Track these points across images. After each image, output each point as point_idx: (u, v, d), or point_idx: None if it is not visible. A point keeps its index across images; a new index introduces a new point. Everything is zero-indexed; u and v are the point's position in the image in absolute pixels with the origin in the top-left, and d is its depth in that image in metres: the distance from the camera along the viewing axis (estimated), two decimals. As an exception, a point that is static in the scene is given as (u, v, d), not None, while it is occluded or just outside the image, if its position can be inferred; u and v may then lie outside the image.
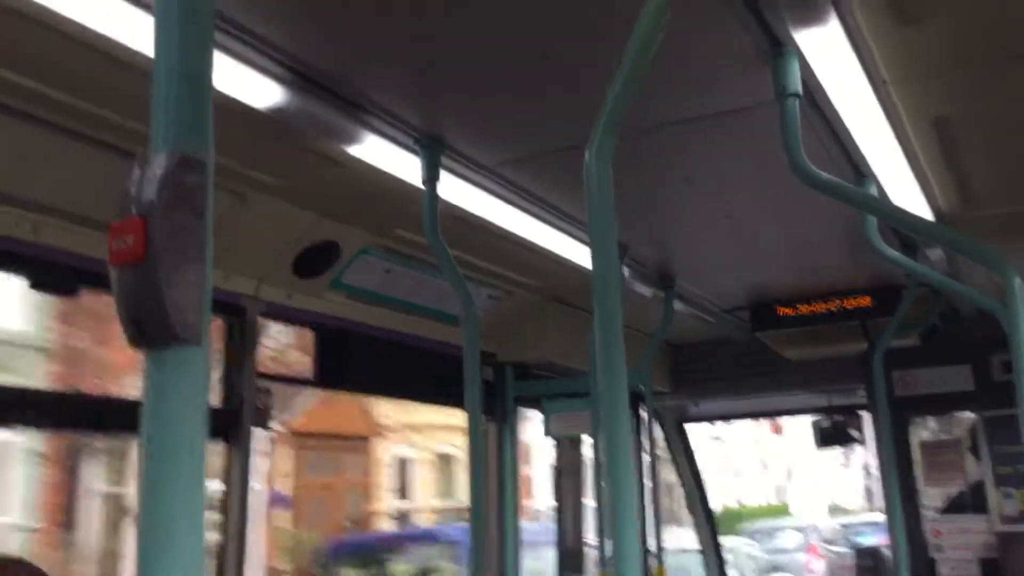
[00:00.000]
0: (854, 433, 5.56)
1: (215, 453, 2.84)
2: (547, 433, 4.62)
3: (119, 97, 2.03)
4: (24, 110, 2.05)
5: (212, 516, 2.71)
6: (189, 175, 0.85)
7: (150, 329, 0.83)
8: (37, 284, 2.36)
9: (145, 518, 0.82)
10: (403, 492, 20.40)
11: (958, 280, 3.60)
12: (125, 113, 2.09)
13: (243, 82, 1.96)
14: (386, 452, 19.95)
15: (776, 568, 18.76)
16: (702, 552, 6.32)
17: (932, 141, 2.64)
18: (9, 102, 2.02)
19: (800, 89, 2.04)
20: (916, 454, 4.53)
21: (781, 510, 30.44)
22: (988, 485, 4.20)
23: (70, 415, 2.53)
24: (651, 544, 4.71)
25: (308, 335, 3.44)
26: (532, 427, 4.92)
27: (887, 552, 4.84)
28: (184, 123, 0.87)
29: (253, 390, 2.94)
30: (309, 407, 15.94)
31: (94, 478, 13.87)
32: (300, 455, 16.96)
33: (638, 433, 5.12)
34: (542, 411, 4.57)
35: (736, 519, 25.03)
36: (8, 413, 2.39)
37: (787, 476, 35.94)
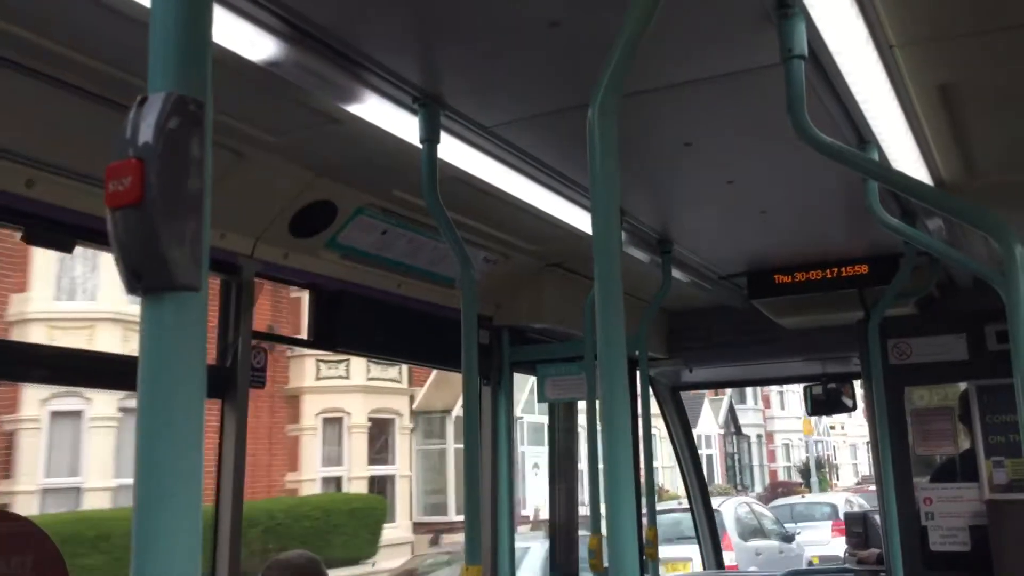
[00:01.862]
0: (847, 400, 5.59)
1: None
2: (541, 398, 4.63)
3: (117, 50, 2.00)
4: (19, 62, 2.02)
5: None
6: (187, 115, 0.83)
7: (147, 273, 0.81)
8: (32, 239, 2.35)
9: (142, 468, 0.81)
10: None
11: (956, 249, 3.59)
12: (123, 67, 2.06)
13: (241, 36, 1.93)
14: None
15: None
16: (694, 516, 6.39)
17: (936, 108, 2.62)
18: (4, 54, 1.98)
19: (806, 51, 2.01)
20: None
21: (372, 506, 19.29)
22: (979, 454, 4.23)
23: (71, 371, 2.52)
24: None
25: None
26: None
27: (877, 519, 4.89)
28: (182, 63, 0.85)
29: (248, 349, 2.93)
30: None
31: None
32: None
33: (633, 399, 5.14)
34: (537, 375, 4.59)
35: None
36: (12, 369, 2.39)
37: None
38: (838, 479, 45.76)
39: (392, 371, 21.91)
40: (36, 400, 14.96)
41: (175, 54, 0.85)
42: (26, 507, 14.24)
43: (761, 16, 2.02)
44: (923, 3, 2.04)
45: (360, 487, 20.75)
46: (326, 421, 20.73)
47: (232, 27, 1.90)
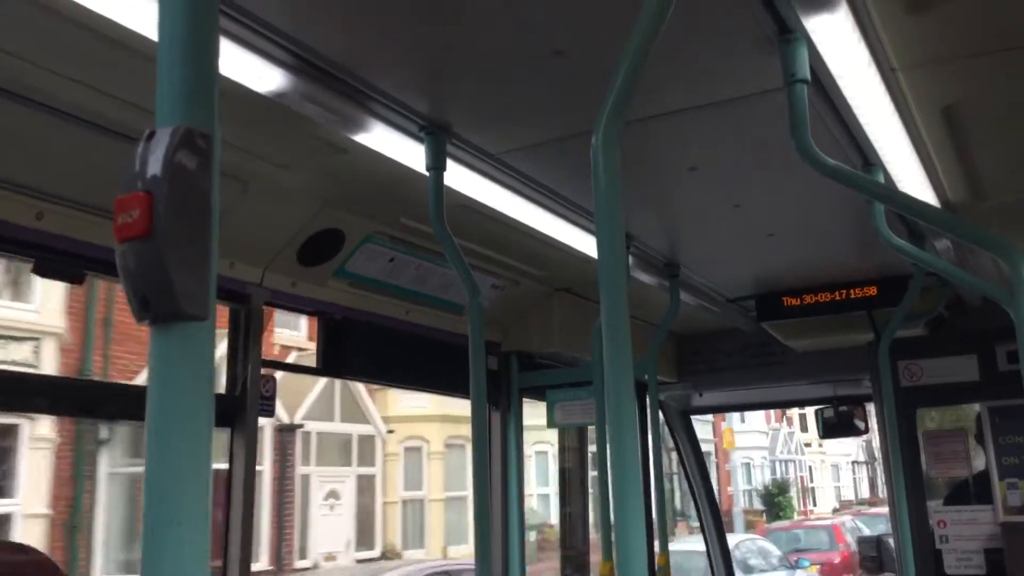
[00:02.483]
0: (859, 423, 5.56)
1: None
2: (551, 423, 4.62)
3: (126, 83, 2.03)
4: (29, 96, 2.05)
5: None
6: (195, 148, 0.84)
7: (156, 303, 0.82)
8: (42, 270, 2.36)
9: (151, 495, 0.82)
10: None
11: (964, 270, 3.59)
12: (131, 99, 2.08)
13: (247, 67, 1.95)
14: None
15: None
16: (708, 548, 6.32)
17: (940, 130, 2.63)
18: (14, 88, 2.01)
19: (808, 75, 2.03)
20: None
21: None
22: (992, 475, 4.19)
23: (75, 401, 2.53)
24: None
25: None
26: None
27: (891, 542, 4.84)
28: (189, 98, 0.86)
29: (258, 377, 2.94)
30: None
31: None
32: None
33: (642, 423, 5.12)
34: (546, 401, 4.58)
35: None
36: (15, 398, 2.39)
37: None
38: (815, 504, 39.83)
39: (23, 349, 13.54)
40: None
41: (182, 89, 0.87)
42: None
43: (763, 41, 2.03)
44: (924, 26, 2.06)
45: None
46: None
47: (240, 60, 1.93)
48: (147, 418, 0.84)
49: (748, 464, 34.81)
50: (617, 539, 1.30)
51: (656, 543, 4.50)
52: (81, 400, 2.54)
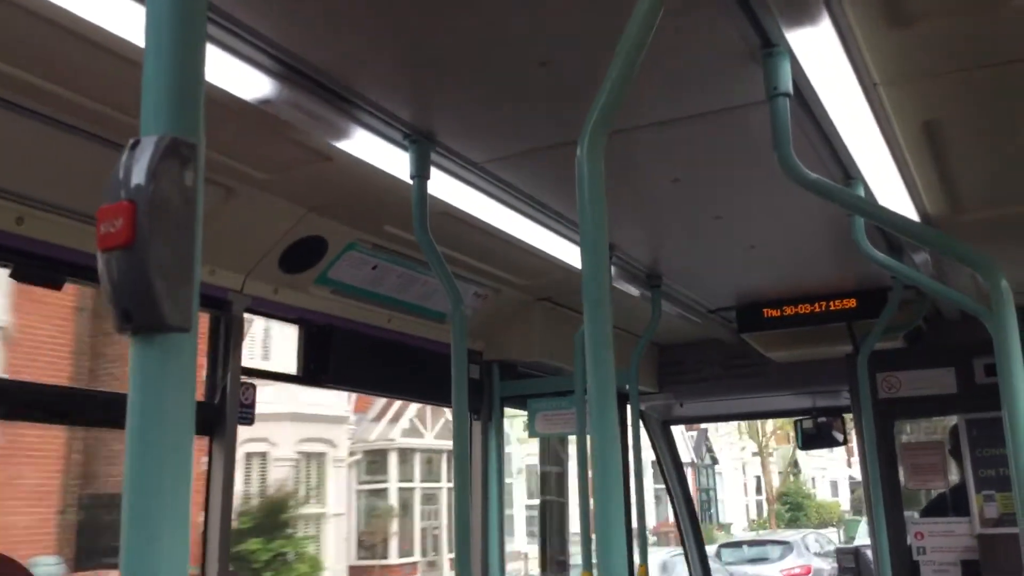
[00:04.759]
0: (837, 435, 5.59)
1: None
2: (532, 433, 4.62)
3: (109, 88, 2.01)
4: (11, 100, 2.03)
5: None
6: (179, 158, 0.83)
7: (137, 314, 0.81)
8: (20, 275, 2.34)
9: (130, 507, 0.81)
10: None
11: (943, 283, 3.62)
12: (115, 105, 2.07)
13: (232, 74, 1.95)
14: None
15: None
16: (687, 555, 6.34)
17: (920, 144, 2.65)
18: None
19: (791, 89, 2.04)
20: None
21: None
22: (970, 488, 4.22)
23: (55, 408, 2.50)
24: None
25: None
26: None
27: (869, 553, 4.86)
28: (174, 107, 0.86)
29: (237, 385, 2.92)
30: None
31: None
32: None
33: (623, 433, 5.13)
34: (527, 410, 4.57)
35: None
36: None
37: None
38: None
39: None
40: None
41: (168, 97, 0.86)
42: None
43: (746, 55, 2.05)
44: (906, 41, 2.08)
45: None
46: None
47: (226, 66, 1.92)
48: (127, 430, 0.83)
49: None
50: (598, 549, 1.30)
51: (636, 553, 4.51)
52: (61, 407, 2.52)
